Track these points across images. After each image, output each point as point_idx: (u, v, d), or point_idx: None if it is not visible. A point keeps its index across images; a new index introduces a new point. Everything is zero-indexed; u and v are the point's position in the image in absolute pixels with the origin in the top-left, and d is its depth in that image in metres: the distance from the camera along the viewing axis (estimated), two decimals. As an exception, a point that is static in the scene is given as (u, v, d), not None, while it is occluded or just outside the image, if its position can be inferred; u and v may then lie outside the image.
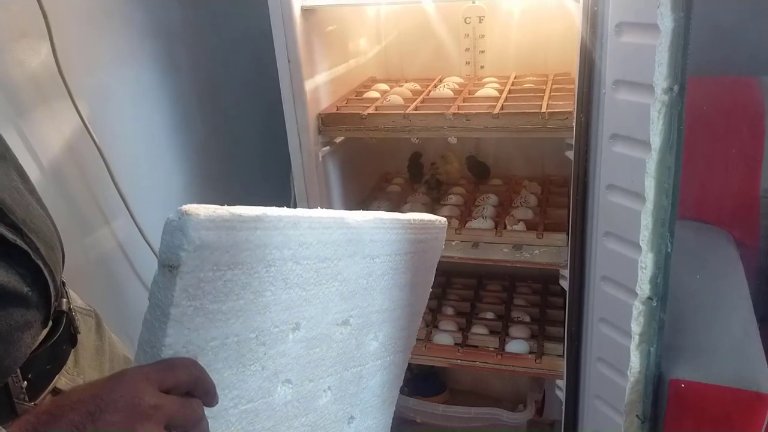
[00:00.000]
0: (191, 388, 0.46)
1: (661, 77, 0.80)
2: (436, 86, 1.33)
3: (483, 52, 1.46)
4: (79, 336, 0.62)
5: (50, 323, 0.56)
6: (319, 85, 1.19)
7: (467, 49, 1.47)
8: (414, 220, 0.73)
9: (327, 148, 1.21)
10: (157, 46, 1.20)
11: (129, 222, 1.06)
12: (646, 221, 0.88)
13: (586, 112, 0.92)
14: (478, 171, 1.47)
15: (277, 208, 0.53)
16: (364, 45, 1.46)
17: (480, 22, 1.43)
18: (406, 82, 1.40)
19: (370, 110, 1.17)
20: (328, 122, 1.18)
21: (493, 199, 1.39)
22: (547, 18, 1.37)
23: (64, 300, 0.59)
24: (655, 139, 0.83)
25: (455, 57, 1.48)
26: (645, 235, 0.88)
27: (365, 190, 1.49)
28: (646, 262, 0.89)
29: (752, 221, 1.35)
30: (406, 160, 1.54)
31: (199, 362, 0.48)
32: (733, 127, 1.34)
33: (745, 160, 1.34)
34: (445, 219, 0.80)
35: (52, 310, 0.56)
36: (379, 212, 0.67)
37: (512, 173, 1.54)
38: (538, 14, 1.37)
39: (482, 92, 1.24)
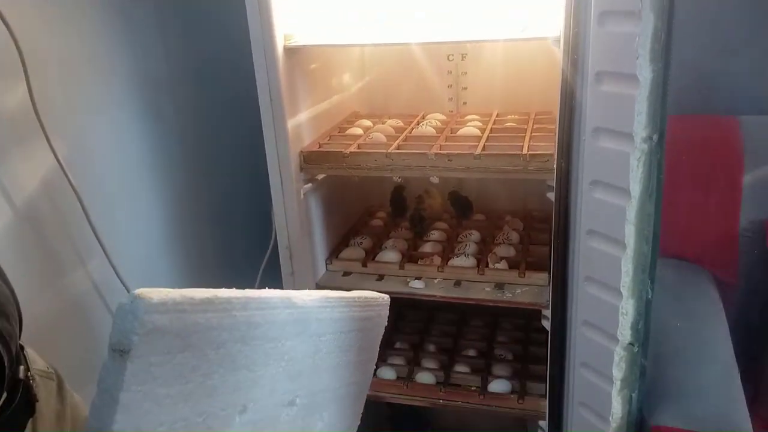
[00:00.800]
0: None
1: (640, 126, 0.81)
2: (418, 123, 1.34)
3: (465, 88, 1.47)
4: (37, 404, 0.60)
5: (5, 394, 0.54)
6: (301, 122, 1.18)
7: (450, 86, 1.48)
8: (359, 297, 0.78)
9: (309, 185, 1.21)
10: (136, 86, 1.19)
11: (104, 263, 1.04)
12: (627, 267, 0.88)
13: (566, 158, 0.92)
14: (461, 206, 1.47)
15: (228, 289, 0.55)
16: (347, 80, 1.46)
17: (462, 59, 1.44)
18: (389, 118, 1.41)
19: (353, 148, 1.17)
20: (310, 160, 1.18)
21: (475, 235, 1.39)
22: (529, 56, 1.39)
23: (21, 367, 0.57)
24: (635, 187, 0.84)
25: (438, 93, 1.49)
26: (626, 282, 0.88)
27: (347, 225, 1.48)
28: (627, 309, 0.89)
29: (731, 259, 1.36)
30: (388, 194, 1.54)
31: None
32: (712, 165, 1.36)
33: (724, 199, 1.35)
34: (387, 297, 0.84)
35: (7, 380, 0.54)
36: (325, 291, 0.71)
37: (495, 208, 1.54)
38: (521, 52, 1.39)
39: (464, 131, 1.24)
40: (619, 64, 0.82)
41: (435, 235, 1.41)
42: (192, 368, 0.52)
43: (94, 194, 1.03)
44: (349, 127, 1.34)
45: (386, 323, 0.87)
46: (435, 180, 1.15)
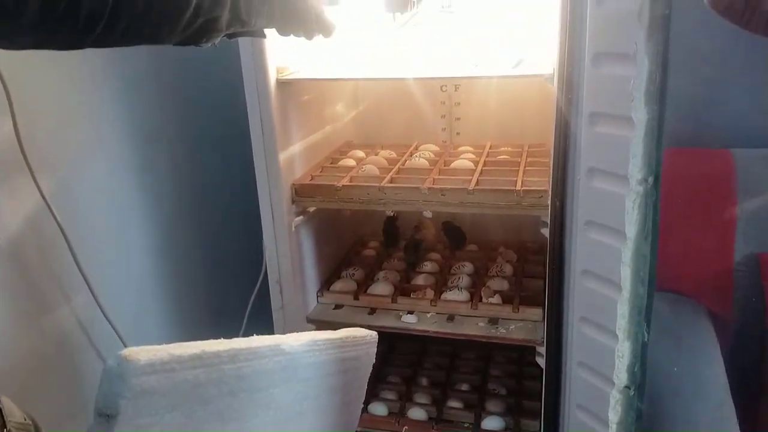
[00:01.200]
0: None
1: (635, 169, 0.80)
2: (412, 154, 1.33)
3: (459, 119, 1.47)
4: None
5: None
6: (293, 154, 1.17)
7: (443, 116, 1.48)
8: (347, 338, 0.77)
9: (300, 217, 1.19)
10: (127, 122, 1.18)
11: (90, 301, 1.02)
12: (623, 310, 0.86)
13: (560, 198, 0.91)
14: (454, 237, 1.46)
15: (216, 341, 0.55)
16: (341, 110, 1.46)
17: (456, 90, 1.44)
18: (382, 148, 1.40)
19: (345, 181, 1.16)
20: (302, 193, 1.16)
21: (468, 267, 1.38)
22: (522, 88, 1.39)
23: None
24: (631, 229, 0.83)
25: (431, 123, 1.48)
26: (622, 324, 0.87)
27: (339, 255, 1.46)
28: (623, 351, 0.88)
29: (726, 293, 1.35)
30: (381, 223, 1.52)
31: None
32: (706, 198, 1.36)
33: (719, 233, 1.35)
34: (375, 333, 0.83)
35: None
36: (313, 333, 0.70)
37: (488, 238, 1.53)
38: (514, 84, 1.39)
39: (457, 163, 1.23)
40: (614, 105, 0.81)
41: (428, 266, 1.39)
42: (180, 426, 0.51)
43: (80, 230, 1.01)
44: (342, 158, 1.32)
45: (374, 360, 0.86)
46: (428, 214, 1.13)
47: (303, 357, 0.68)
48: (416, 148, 1.38)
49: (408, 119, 1.50)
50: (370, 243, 1.55)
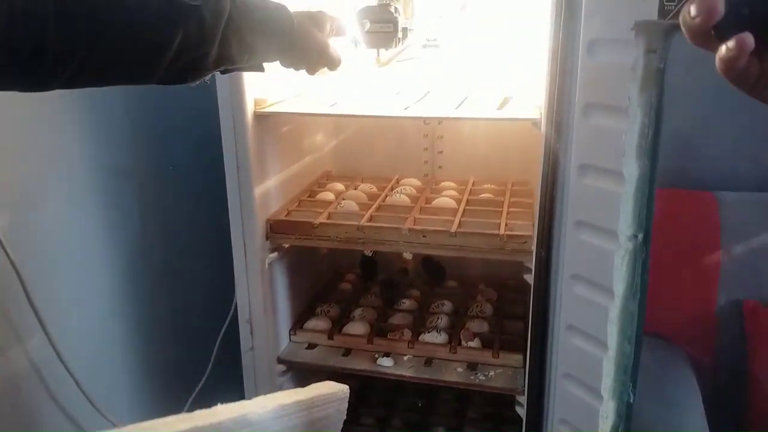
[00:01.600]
0: None
1: (625, 225, 0.77)
2: (393, 189, 1.29)
3: (441, 152, 1.44)
4: None
5: None
6: (269, 188, 1.12)
7: (426, 149, 1.44)
8: (316, 397, 0.72)
9: (275, 254, 1.14)
10: (94, 151, 1.12)
11: (44, 342, 0.95)
12: (608, 369, 0.83)
13: (546, 248, 0.88)
14: (434, 273, 1.42)
15: (177, 417, 0.51)
16: (321, 140, 1.41)
17: (439, 123, 1.41)
18: (362, 181, 1.35)
19: (323, 218, 1.11)
20: (277, 229, 1.11)
21: (447, 305, 1.33)
22: (507, 124, 1.35)
23: None
24: (619, 286, 0.80)
25: (414, 155, 1.45)
26: (607, 383, 0.84)
27: (315, 289, 1.41)
28: (608, 411, 0.84)
29: (708, 339, 1.33)
30: (359, 256, 1.48)
31: None
32: (689, 241, 1.33)
33: (701, 277, 1.33)
34: (347, 388, 0.80)
35: None
36: (282, 395, 0.67)
37: (468, 274, 1.49)
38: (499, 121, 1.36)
39: (439, 202, 1.20)
40: (605, 158, 0.78)
41: (406, 303, 1.35)
42: None
43: (36, 268, 0.95)
44: (321, 191, 1.28)
45: (345, 417, 0.82)
46: (408, 256, 1.09)
47: (271, 425, 0.63)
48: (397, 182, 1.34)
49: (389, 151, 1.46)
50: (347, 275, 1.50)
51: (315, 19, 0.80)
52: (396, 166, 1.43)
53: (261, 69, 0.78)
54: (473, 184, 1.32)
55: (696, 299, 1.33)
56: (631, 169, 0.76)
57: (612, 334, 0.82)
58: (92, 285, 1.14)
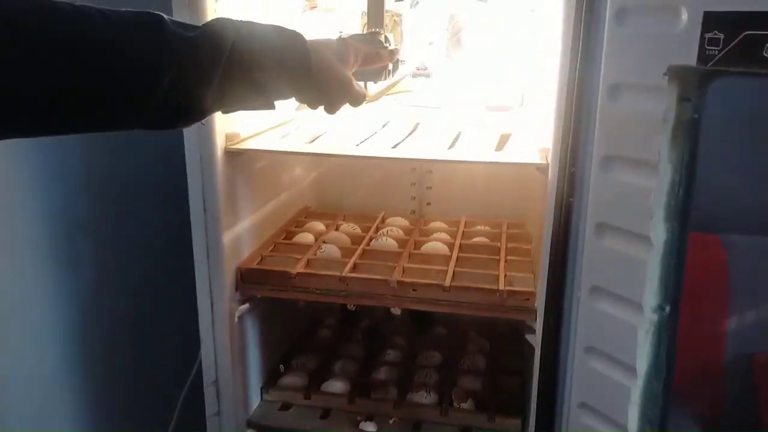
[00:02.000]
0: None
1: (651, 294, 0.68)
2: (378, 230, 1.18)
3: (430, 188, 1.33)
4: None
5: None
6: (240, 233, 1.00)
7: (413, 183, 1.33)
8: None
9: (245, 305, 1.01)
10: (46, 201, 1.00)
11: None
12: (628, 457, 0.72)
13: (555, 316, 0.77)
14: (421, 321, 1.31)
15: None
16: (299, 174, 1.30)
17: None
18: (344, 220, 1.24)
19: (301, 267, 0.99)
20: (248, 279, 0.99)
21: (436, 357, 1.22)
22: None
23: None
24: (642, 364, 0.70)
25: (400, 191, 1.34)
26: (625, 474, 0.73)
27: (290, 338, 1.28)
28: (627, 505, 0.73)
29: (716, 394, 1.23)
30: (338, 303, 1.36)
31: None
32: (695, 289, 1.24)
33: (709, 327, 1.23)
34: None
35: None
36: None
37: (457, 318, 1.37)
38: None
39: (430, 247, 1.08)
40: (626, 218, 0.69)
41: (390, 354, 1.23)
42: None
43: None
44: (299, 231, 1.16)
45: None
46: (396, 311, 0.98)
47: None
48: (383, 221, 1.23)
49: (374, 185, 1.35)
50: (327, 321, 1.38)
51: (336, 50, 0.70)
52: (381, 201, 1.32)
53: (271, 107, 0.67)
54: (465, 225, 1.21)
55: (703, 353, 1.23)
56: (659, 232, 0.66)
57: (633, 417, 0.71)
58: (40, 339, 1.01)
